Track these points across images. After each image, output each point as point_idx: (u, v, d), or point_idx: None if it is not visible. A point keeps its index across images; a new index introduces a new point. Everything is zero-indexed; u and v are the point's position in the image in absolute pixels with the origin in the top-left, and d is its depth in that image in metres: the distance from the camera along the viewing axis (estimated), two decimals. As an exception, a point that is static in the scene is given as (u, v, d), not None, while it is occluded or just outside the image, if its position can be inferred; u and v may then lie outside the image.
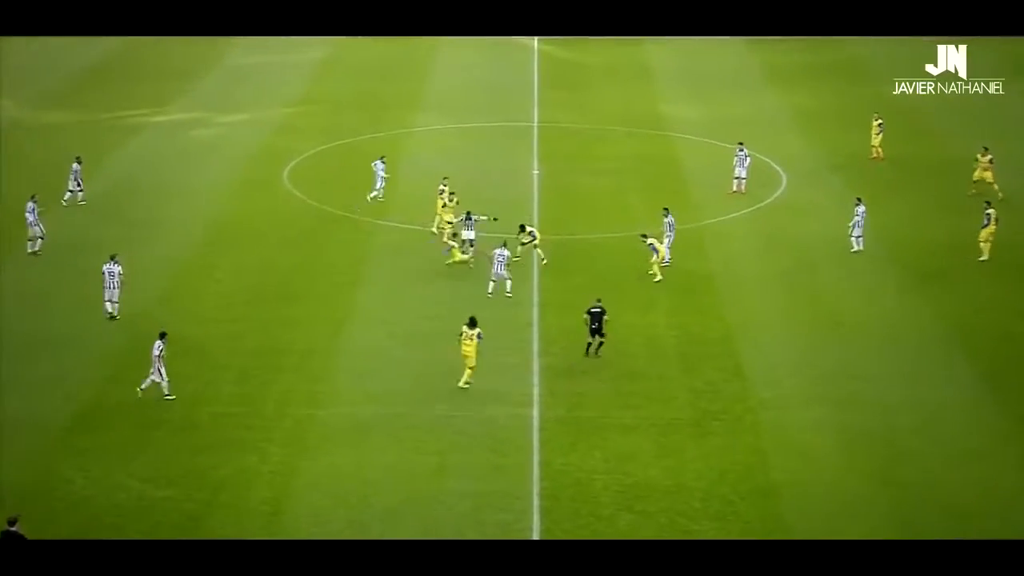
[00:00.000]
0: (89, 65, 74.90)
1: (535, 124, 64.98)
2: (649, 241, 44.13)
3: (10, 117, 63.85)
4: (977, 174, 52.69)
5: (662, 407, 35.49)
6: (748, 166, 53.31)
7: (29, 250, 45.69)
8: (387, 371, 37.51)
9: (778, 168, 56.30)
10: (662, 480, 31.77)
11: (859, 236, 46.69)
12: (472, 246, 45.11)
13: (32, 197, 46.38)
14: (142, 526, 29.47)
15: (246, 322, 40.52)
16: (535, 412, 35.17)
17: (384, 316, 41.26)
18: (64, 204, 50.60)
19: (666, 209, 46.00)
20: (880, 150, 57.43)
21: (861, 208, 46.82)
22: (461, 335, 36.23)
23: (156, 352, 35.02)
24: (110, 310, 40.42)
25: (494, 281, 42.08)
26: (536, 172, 56.81)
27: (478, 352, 36.07)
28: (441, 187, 48.65)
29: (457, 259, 44.53)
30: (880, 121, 57.71)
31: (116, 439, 33.42)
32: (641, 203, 51.78)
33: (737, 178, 53.31)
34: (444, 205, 47.55)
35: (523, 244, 44.43)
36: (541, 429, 34.22)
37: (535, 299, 42.46)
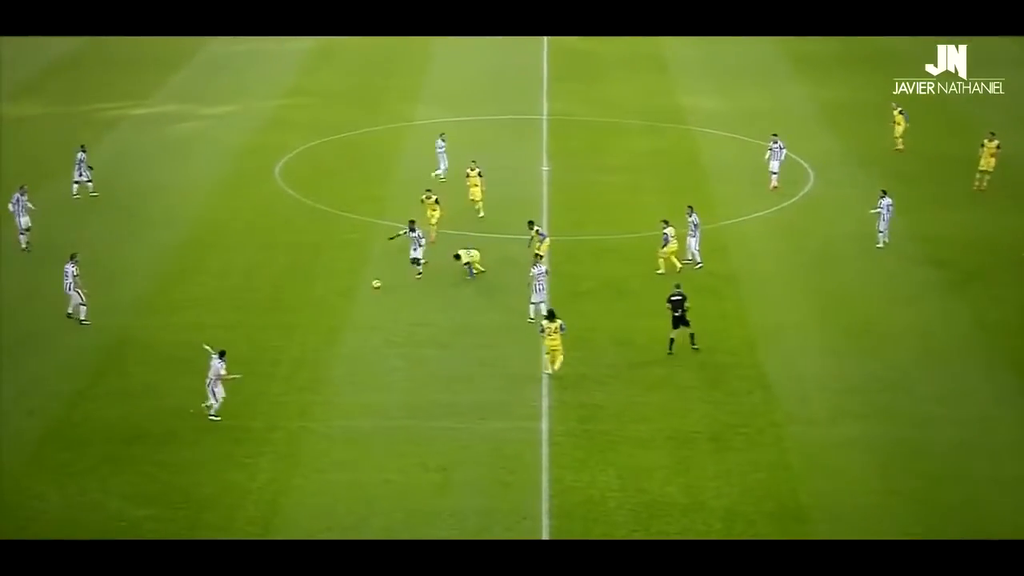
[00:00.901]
0: (62, 55, 75.29)
1: (544, 117, 65.15)
2: (666, 230, 44.45)
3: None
4: (983, 162, 53.06)
5: (680, 420, 35.53)
6: (783, 159, 53.66)
7: (22, 246, 46.72)
8: (385, 381, 37.60)
9: (805, 164, 56.39)
10: (680, 498, 31.80)
11: (884, 230, 47.07)
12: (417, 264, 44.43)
13: (20, 188, 47.05)
14: (121, 547, 29.59)
15: (234, 329, 40.59)
16: (544, 425, 35.25)
17: (382, 322, 41.34)
18: (75, 197, 51.58)
19: (690, 207, 46.17)
20: (901, 141, 57.96)
21: (886, 200, 47.22)
22: (543, 331, 37.09)
23: (220, 371, 34.87)
24: (70, 312, 40.81)
25: (534, 304, 40.94)
26: (545, 168, 56.95)
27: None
28: (467, 171, 50.68)
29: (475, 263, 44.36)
30: (900, 109, 58.29)
31: (93, 454, 33.50)
32: (658, 202, 51.79)
33: (772, 172, 53.70)
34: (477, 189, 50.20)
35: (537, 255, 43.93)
36: (551, 443, 34.27)
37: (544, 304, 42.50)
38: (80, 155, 51.97)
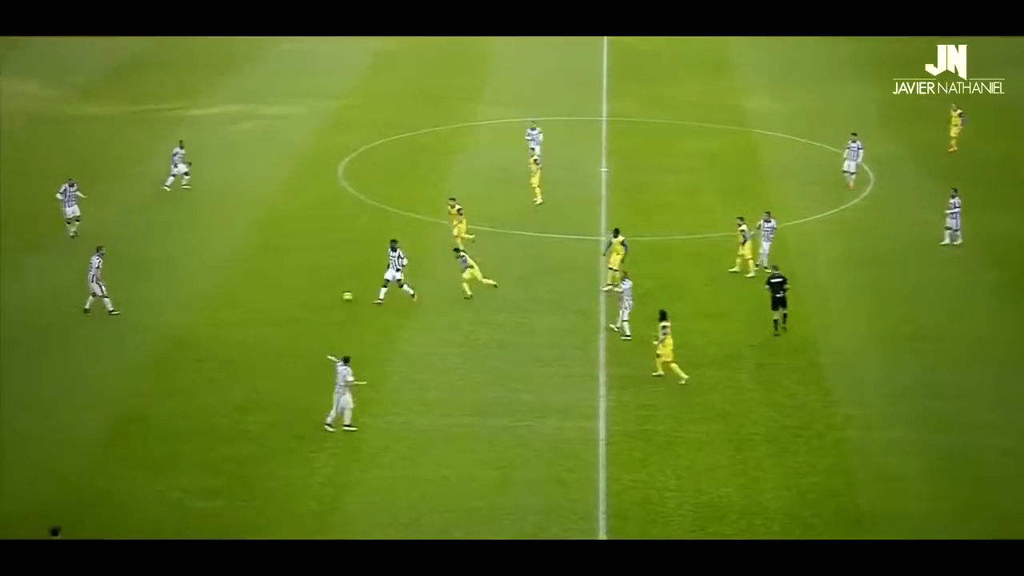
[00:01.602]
0: (129, 55, 76.08)
1: (604, 118, 65.20)
2: (743, 227, 44.53)
3: (50, 108, 65.39)
4: None
5: (738, 422, 35.46)
6: (859, 160, 53.68)
7: (70, 234, 47.87)
8: (445, 379, 37.80)
9: (865, 166, 55.98)
10: (738, 500, 31.74)
11: (955, 230, 46.81)
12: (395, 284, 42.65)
13: (68, 180, 48.13)
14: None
15: (296, 326, 40.98)
16: (602, 425, 35.31)
17: (441, 321, 41.56)
18: (167, 189, 52.84)
19: (768, 212, 45.94)
20: (954, 143, 57.71)
21: (956, 199, 46.96)
22: (665, 332, 36.96)
23: (347, 377, 34.86)
24: (87, 305, 41.37)
25: (623, 319, 40.26)
26: (604, 169, 56.99)
27: None
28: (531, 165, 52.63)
29: (467, 279, 42.68)
30: (960, 112, 57.96)
31: (158, 447, 33.94)
32: (717, 203, 51.78)
33: (846, 172, 53.67)
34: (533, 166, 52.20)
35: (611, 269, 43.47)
36: (608, 443, 34.31)
37: (602, 306, 42.56)
38: (178, 150, 53.11)
